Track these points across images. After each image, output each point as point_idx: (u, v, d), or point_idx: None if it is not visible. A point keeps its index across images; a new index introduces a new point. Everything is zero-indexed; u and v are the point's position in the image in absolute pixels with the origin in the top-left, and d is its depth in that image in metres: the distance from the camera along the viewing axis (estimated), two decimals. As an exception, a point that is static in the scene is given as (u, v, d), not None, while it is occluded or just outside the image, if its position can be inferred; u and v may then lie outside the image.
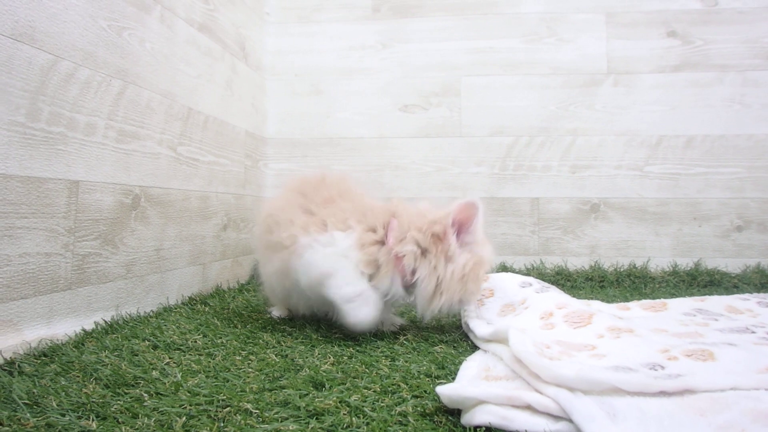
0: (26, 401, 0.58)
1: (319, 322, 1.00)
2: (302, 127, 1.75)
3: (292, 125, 1.75)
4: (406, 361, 0.74)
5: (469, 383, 0.59)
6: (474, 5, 1.70)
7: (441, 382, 0.64)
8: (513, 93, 1.67)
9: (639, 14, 1.63)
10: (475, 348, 0.82)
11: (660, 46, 1.62)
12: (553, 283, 1.29)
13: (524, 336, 0.65)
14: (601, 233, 1.62)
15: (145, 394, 0.61)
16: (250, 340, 0.87)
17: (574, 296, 1.03)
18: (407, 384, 0.64)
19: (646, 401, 0.48)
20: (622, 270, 1.55)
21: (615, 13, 1.64)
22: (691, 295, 1.25)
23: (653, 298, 1.16)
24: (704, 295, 1.16)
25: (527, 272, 1.52)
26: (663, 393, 0.50)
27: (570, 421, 0.46)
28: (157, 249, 1.10)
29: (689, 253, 1.59)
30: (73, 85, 0.85)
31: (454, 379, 0.65)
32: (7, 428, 0.52)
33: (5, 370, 0.68)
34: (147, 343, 0.83)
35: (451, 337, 0.89)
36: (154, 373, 0.68)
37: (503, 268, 1.59)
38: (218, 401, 0.58)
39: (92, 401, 0.58)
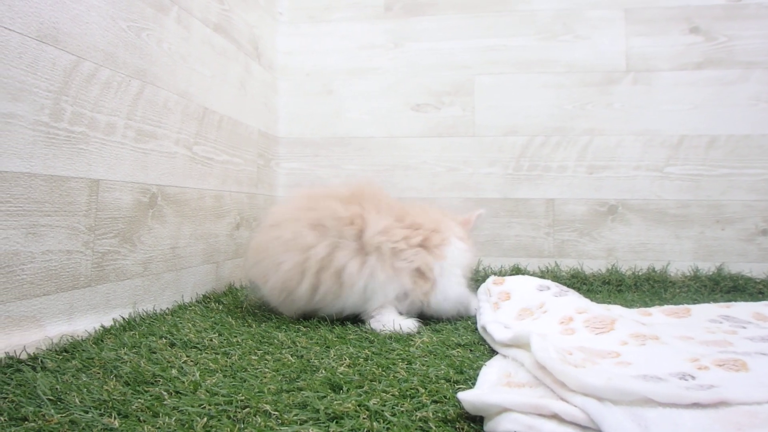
0: (50, 397, 0.58)
1: (333, 323, 1.00)
2: (313, 126, 1.75)
3: (303, 125, 1.75)
4: (423, 365, 0.74)
5: (491, 390, 0.58)
6: (487, 3, 1.68)
7: (460, 388, 0.64)
8: (527, 92, 1.65)
9: (659, 10, 1.60)
10: (492, 352, 0.81)
11: (682, 42, 1.59)
12: (568, 287, 1.27)
13: (546, 342, 0.64)
14: (619, 236, 1.60)
15: (165, 393, 0.61)
16: (265, 340, 0.87)
17: (590, 300, 1.02)
18: (426, 388, 0.63)
19: (678, 413, 0.47)
20: (640, 274, 1.52)
21: (634, 8, 1.61)
22: (714, 300, 1.22)
23: (674, 304, 1.14)
24: (728, 301, 1.14)
25: (542, 275, 1.50)
26: (696, 405, 0.48)
27: (599, 431, 0.46)
28: (172, 247, 1.10)
29: (711, 258, 1.55)
30: (94, 85, 0.86)
31: (473, 384, 0.65)
32: (32, 423, 0.52)
33: (29, 365, 0.69)
34: (164, 340, 0.84)
35: (467, 340, 0.89)
36: (172, 371, 0.68)
37: (517, 270, 1.58)
38: (237, 402, 0.58)
39: (113, 399, 0.58)
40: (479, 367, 0.71)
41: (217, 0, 1.29)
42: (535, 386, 0.57)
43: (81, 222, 0.84)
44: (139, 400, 0.59)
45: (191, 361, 0.74)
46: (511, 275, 1.18)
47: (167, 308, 1.07)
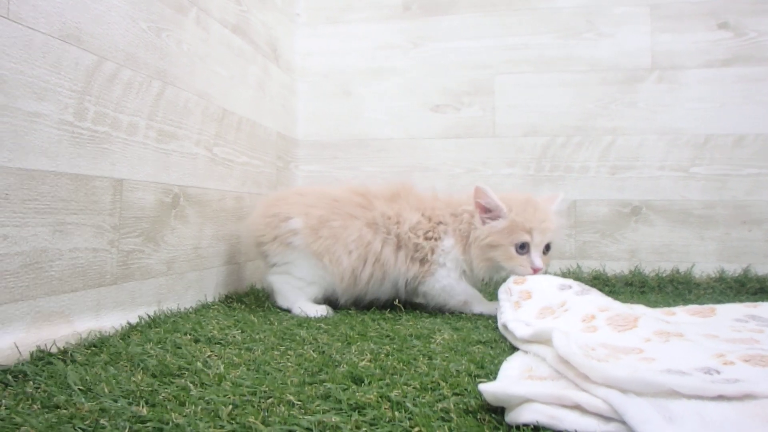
0: (80, 387, 0.60)
1: (353, 321, 1.00)
2: (332, 128, 1.76)
3: (321, 126, 1.76)
4: (444, 360, 0.74)
5: (513, 382, 0.58)
6: (507, 1, 1.67)
7: (482, 381, 0.63)
8: (549, 91, 1.64)
9: (686, 5, 1.56)
10: (513, 349, 0.81)
11: (708, 38, 1.55)
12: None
13: (568, 338, 0.63)
14: (642, 237, 1.57)
15: (191, 384, 0.62)
16: (287, 337, 0.87)
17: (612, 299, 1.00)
18: (447, 382, 0.63)
19: (704, 405, 0.46)
20: (664, 275, 1.49)
21: (660, 4, 1.58)
22: (740, 302, 1.20)
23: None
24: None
25: (563, 277, 1.48)
26: (722, 397, 0.47)
27: (622, 422, 0.45)
28: (195, 247, 1.12)
29: (737, 259, 1.52)
30: (116, 85, 0.88)
31: (494, 378, 0.65)
32: (64, 411, 0.54)
33: (60, 358, 0.71)
34: (188, 337, 0.85)
35: (488, 338, 0.88)
36: (197, 364, 0.69)
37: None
38: (261, 392, 0.59)
39: (141, 389, 0.60)
40: (500, 363, 0.70)
41: (235, 1, 1.31)
42: (557, 379, 0.57)
43: (106, 221, 0.86)
44: (166, 390, 0.60)
45: (215, 355, 0.75)
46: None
47: (190, 307, 1.08)
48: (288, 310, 1.11)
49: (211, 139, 1.18)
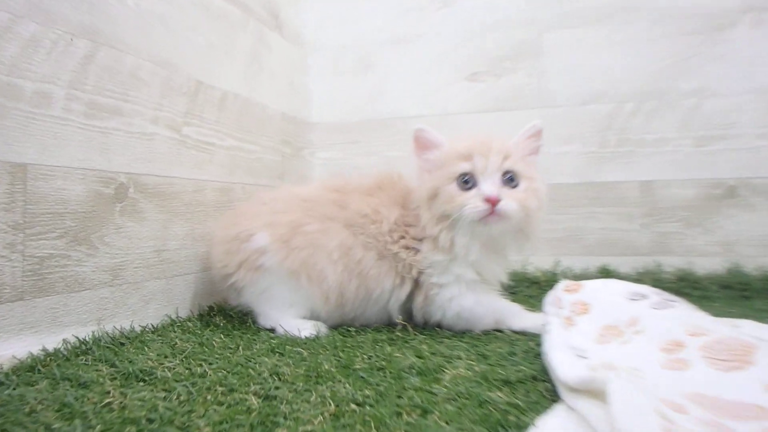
0: None
1: (346, 343, 0.76)
2: (350, 109, 1.52)
3: (338, 107, 1.52)
4: (442, 418, 0.48)
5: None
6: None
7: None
8: (611, 48, 1.32)
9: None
10: (555, 397, 0.53)
11: (822, -36, 1.20)
12: (673, 293, 0.95)
13: (637, 394, 0.36)
14: (741, 225, 1.24)
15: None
16: (239, 370, 0.65)
17: (706, 312, 0.71)
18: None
19: None
20: (774, 274, 1.16)
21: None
22: None
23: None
24: None
25: (638, 278, 1.17)
26: None
27: None
28: (158, 250, 0.91)
29: None
30: (10, 42, 0.67)
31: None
32: None
33: None
34: (108, 370, 0.64)
35: (521, 375, 0.61)
36: (71, 423, 0.47)
37: (605, 273, 1.26)
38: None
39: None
40: (528, 427, 0.43)
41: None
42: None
43: (0, 218, 0.65)
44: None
45: (117, 403, 0.53)
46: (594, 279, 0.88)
47: (151, 324, 0.88)
48: (272, 330, 0.88)
49: (178, 116, 0.96)
